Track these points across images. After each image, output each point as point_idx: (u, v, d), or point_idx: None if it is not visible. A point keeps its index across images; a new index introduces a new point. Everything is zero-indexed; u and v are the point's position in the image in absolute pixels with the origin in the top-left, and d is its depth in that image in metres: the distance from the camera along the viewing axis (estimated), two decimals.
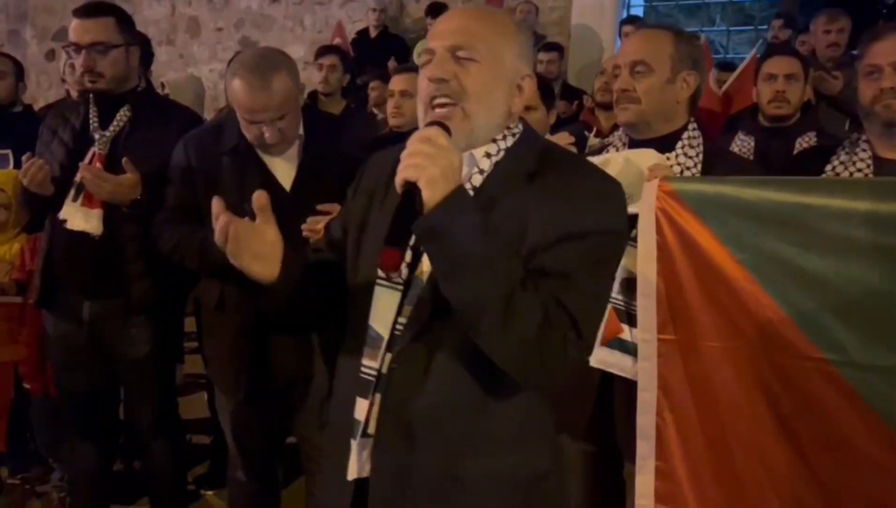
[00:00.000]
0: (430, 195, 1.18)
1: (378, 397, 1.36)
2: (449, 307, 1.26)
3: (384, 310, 1.36)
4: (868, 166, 2.08)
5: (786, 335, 1.72)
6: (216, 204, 1.36)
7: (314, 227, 2.16)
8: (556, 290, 1.24)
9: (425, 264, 1.33)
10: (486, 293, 1.20)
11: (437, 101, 1.33)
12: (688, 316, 1.82)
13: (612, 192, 1.37)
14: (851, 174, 2.09)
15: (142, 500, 3.18)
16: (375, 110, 4.76)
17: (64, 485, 3.25)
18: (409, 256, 1.36)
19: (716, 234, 1.78)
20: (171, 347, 2.82)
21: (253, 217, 2.16)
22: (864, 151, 2.11)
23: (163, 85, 4.31)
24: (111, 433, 2.97)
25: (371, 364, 1.36)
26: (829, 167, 2.15)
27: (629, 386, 1.91)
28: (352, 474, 1.38)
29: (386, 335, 1.35)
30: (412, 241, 1.32)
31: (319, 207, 2.20)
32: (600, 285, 1.34)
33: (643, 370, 1.87)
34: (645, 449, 1.88)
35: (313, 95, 4.63)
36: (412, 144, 1.21)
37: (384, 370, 1.35)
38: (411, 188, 1.19)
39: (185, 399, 3.12)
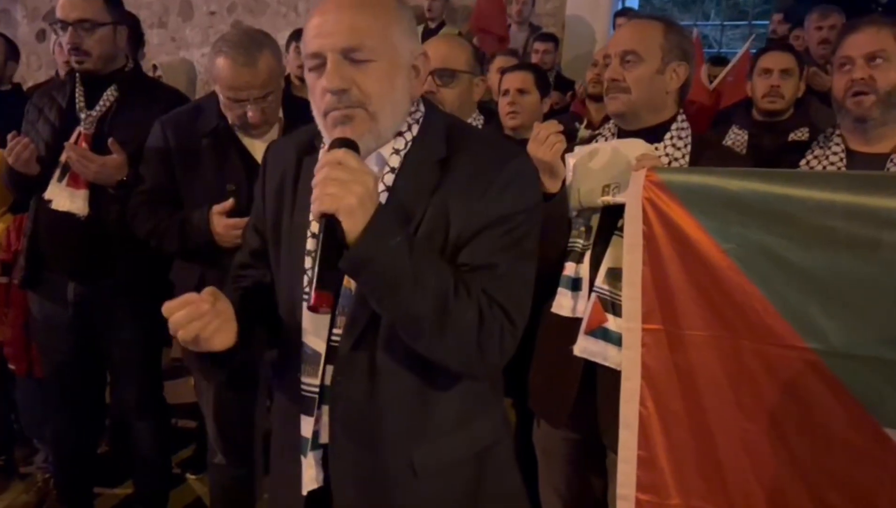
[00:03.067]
0: (351, 226, 1.17)
1: (325, 409, 1.37)
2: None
3: (317, 326, 1.36)
4: (841, 160, 2.10)
5: (770, 325, 1.73)
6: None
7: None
8: (485, 283, 1.27)
9: None
10: (420, 309, 1.22)
11: (338, 112, 1.28)
12: (673, 305, 1.83)
13: (520, 170, 1.36)
14: (825, 168, 2.12)
15: (126, 483, 3.18)
16: None
17: (48, 466, 3.25)
18: None
19: (702, 224, 1.78)
20: (157, 329, 2.80)
21: (236, 198, 2.17)
22: (838, 144, 2.13)
23: (155, 67, 4.28)
24: (96, 415, 2.96)
25: (312, 382, 1.37)
26: (803, 161, 2.17)
27: (612, 375, 1.91)
28: (307, 487, 1.40)
29: (322, 350, 1.36)
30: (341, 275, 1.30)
31: None
32: (523, 264, 1.35)
33: (627, 360, 1.87)
34: (627, 438, 1.88)
35: (286, 78, 4.59)
36: (322, 170, 1.18)
37: (326, 382, 1.37)
38: (330, 219, 1.18)
39: (171, 383, 3.11)
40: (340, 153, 1.19)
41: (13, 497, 3.26)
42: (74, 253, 2.55)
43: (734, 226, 1.76)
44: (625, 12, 5.93)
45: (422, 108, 1.41)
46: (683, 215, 1.81)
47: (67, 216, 2.49)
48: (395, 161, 1.35)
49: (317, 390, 1.36)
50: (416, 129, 1.37)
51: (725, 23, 7.55)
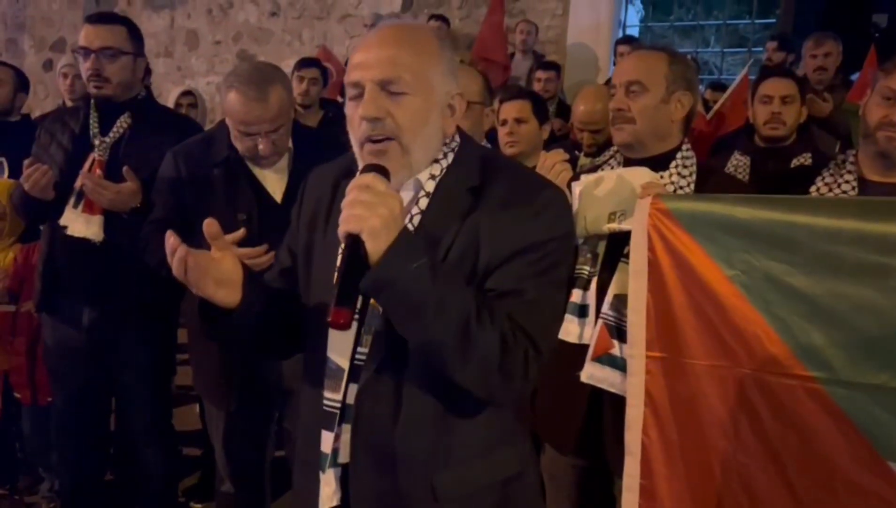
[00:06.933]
0: (374, 247, 1.19)
1: (345, 427, 1.38)
2: None
3: (341, 342, 1.37)
4: (853, 188, 2.08)
5: (773, 353, 1.72)
6: (209, 227, 1.33)
7: (257, 260, 2.12)
8: (512, 309, 1.28)
9: None
10: (442, 334, 1.23)
11: (374, 138, 1.32)
12: (676, 334, 1.83)
13: (553, 198, 1.38)
14: (836, 195, 2.10)
15: None
16: None
17: (53, 496, 3.23)
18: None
19: (707, 251, 1.79)
20: (167, 354, 2.82)
21: (247, 227, 2.18)
22: (850, 172, 2.11)
23: (188, 93, 4.33)
24: (103, 443, 2.96)
25: (333, 397, 1.38)
26: (813, 187, 2.16)
27: (619, 402, 1.91)
28: (324, 505, 1.40)
29: (346, 366, 1.37)
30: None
31: None
32: (552, 292, 1.37)
33: (631, 387, 1.87)
34: (631, 466, 1.87)
35: None
36: (351, 192, 1.22)
37: (349, 400, 1.37)
38: (355, 239, 1.20)
39: (176, 411, 3.10)
40: (369, 177, 1.23)
41: None
42: (90, 278, 2.56)
43: (739, 253, 1.77)
44: (626, 40, 5.99)
45: (457, 138, 1.45)
46: (689, 242, 1.82)
47: (82, 242, 2.51)
48: (431, 186, 1.38)
49: (338, 405, 1.37)
50: (451, 157, 1.41)
51: (725, 50, 7.63)
